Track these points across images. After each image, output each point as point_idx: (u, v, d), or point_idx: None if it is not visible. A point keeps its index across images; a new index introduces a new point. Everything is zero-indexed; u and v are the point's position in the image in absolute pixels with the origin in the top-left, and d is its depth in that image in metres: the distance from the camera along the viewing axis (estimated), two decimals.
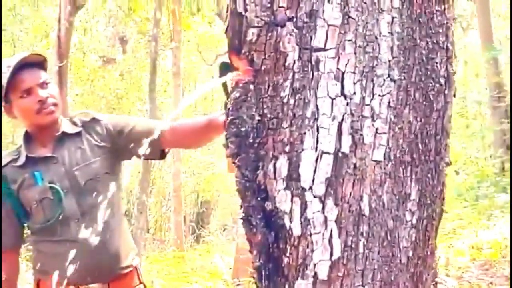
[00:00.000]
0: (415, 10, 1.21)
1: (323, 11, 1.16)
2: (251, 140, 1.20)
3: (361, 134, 1.17)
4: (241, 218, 1.25)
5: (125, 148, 2.03)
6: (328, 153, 1.16)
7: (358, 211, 1.17)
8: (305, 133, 1.17)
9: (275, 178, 1.19)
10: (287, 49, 1.17)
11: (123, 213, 2.26)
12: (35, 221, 2.03)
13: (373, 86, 1.17)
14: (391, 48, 1.18)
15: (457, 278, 4.72)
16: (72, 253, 1.77)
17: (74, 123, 2.10)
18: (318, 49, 1.16)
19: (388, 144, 1.18)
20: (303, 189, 1.17)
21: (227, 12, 1.23)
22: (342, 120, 1.16)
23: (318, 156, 1.16)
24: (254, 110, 1.20)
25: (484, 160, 10.50)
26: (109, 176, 2.04)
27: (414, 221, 1.23)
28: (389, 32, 1.18)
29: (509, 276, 4.46)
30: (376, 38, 1.17)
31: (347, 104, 1.16)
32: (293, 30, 1.16)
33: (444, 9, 1.25)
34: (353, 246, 1.17)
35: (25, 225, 2.08)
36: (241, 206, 1.25)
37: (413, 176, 1.22)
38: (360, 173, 1.17)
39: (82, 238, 1.91)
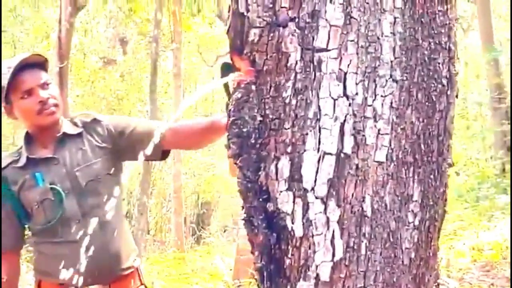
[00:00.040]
0: (417, 10, 1.20)
1: (325, 12, 1.15)
2: (253, 141, 1.20)
3: (363, 135, 1.16)
4: (243, 219, 1.25)
5: (126, 149, 2.03)
6: (330, 154, 1.15)
7: (360, 212, 1.17)
8: (307, 134, 1.16)
9: (277, 179, 1.19)
10: (289, 49, 1.16)
11: (123, 214, 2.26)
12: (36, 222, 2.02)
13: (375, 86, 1.17)
14: (393, 49, 1.18)
15: (458, 279, 4.71)
16: (73, 254, 1.77)
17: (75, 124, 2.10)
18: (320, 50, 1.16)
19: (390, 145, 1.18)
20: (305, 190, 1.16)
21: (228, 12, 1.23)
22: (344, 120, 1.15)
23: (320, 157, 1.16)
24: (256, 110, 1.20)
25: (485, 162, 10.50)
26: (110, 177, 2.04)
27: (417, 223, 1.22)
28: (391, 33, 1.18)
29: (510, 277, 4.45)
30: (378, 38, 1.17)
31: (349, 104, 1.16)
32: (295, 30, 1.16)
33: (447, 9, 1.24)
34: (355, 247, 1.17)
35: (26, 226, 2.08)
36: (243, 207, 1.24)
37: (416, 177, 1.21)
38: (362, 174, 1.16)
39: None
